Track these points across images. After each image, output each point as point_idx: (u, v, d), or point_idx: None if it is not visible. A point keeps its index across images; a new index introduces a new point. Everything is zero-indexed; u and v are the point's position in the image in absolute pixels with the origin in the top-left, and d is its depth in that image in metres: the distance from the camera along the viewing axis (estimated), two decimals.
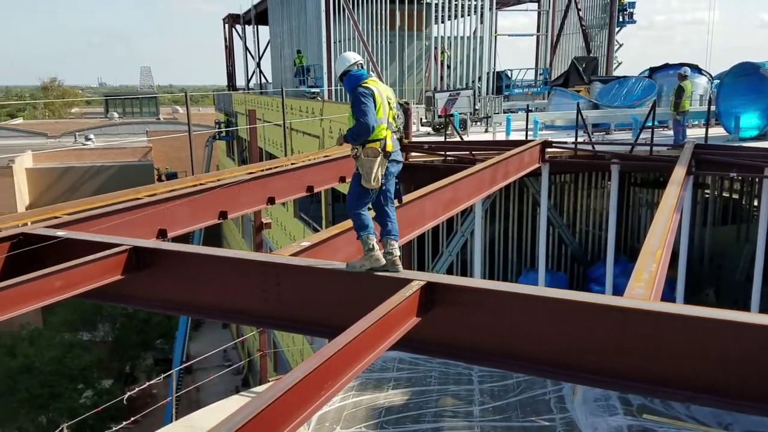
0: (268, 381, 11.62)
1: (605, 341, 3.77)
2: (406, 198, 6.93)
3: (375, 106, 4.53)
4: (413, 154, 11.79)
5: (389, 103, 4.64)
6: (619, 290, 11.82)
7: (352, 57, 4.73)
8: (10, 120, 57.02)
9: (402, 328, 3.93)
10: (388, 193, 4.68)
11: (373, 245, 4.55)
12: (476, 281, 4.29)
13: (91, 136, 42.15)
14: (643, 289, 4.40)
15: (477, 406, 9.89)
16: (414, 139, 12.66)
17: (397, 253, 4.53)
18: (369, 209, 4.73)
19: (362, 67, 4.73)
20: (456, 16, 21.49)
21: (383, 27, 21.30)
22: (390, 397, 10.10)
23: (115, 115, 61.91)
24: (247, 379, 27.76)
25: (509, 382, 10.58)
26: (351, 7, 20.72)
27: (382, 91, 4.60)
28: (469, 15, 21.72)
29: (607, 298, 3.90)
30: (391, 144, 4.60)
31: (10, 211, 27.89)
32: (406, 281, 4.20)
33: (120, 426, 12.03)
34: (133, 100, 67.22)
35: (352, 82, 4.64)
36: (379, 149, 4.55)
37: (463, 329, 4.16)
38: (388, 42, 21.45)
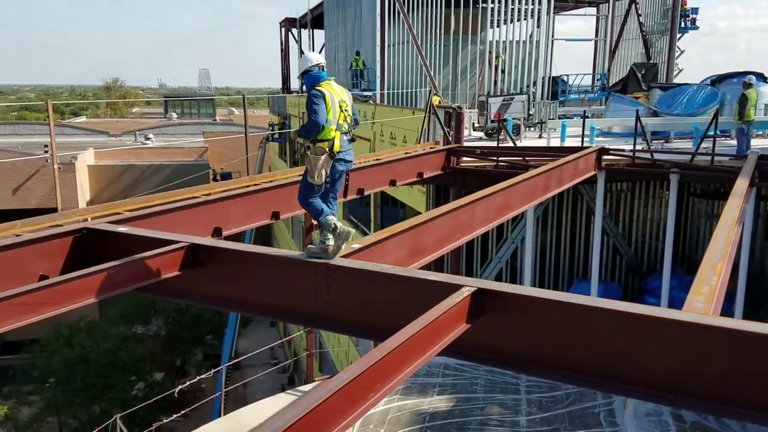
0: (314, 381, 11.73)
1: (660, 355, 3.66)
2: (456, 203, 6.90)
3: (326, 108, 4.87)
4: (464, 159, 11.72)
5: (341, 106, 4.97)
6: (675, 303, 11.47)
7: (315, 58, 5.10)
8: (74, 118, 59.46)
9: (451, 334, 3.90)
10: (332, 189, 5.08)
11: (334, 223, 4.92)
12: (528, 289, 4.23)
13: (151, 136, 43.52)
14: (703, 303, 4.25)
15: (524, 416, 9.74)
16: (465, 144, 12.57)
17: (330, 243, 4.88)
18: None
19: (323, 69, 5.09)
20: (512, 20, 21.26)
21: (438, 31, 21.27)
22: (434, 403, 10.04)
23: (174, 115, 63.80)
24: (292, 377, 28.12)
25: (558, 393, 10.37)
26: (406, 11, 20.77)
27: (335, 94, 4.96)
28: (525, 19, 21.46)
29: (665, 311, 3.78)
30: (339, 144, 4.95)
31: (71, 206, 29.06)
32: (457, 287, 4.17)
33: (170, 419, 12.34)
34: (191, 101, 69.16)
35: (310, 82, 5.00)
36: (326, 149, 4.91)
37: (512, 337, 4.11)
38: (442, 46, 21.40)
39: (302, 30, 35.68)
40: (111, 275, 4.65)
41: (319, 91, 4.91)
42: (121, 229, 5.54)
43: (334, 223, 4.93)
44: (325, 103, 4.89)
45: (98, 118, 64.86)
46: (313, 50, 34.50)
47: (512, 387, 10.64)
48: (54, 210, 27.95)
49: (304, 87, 5.45)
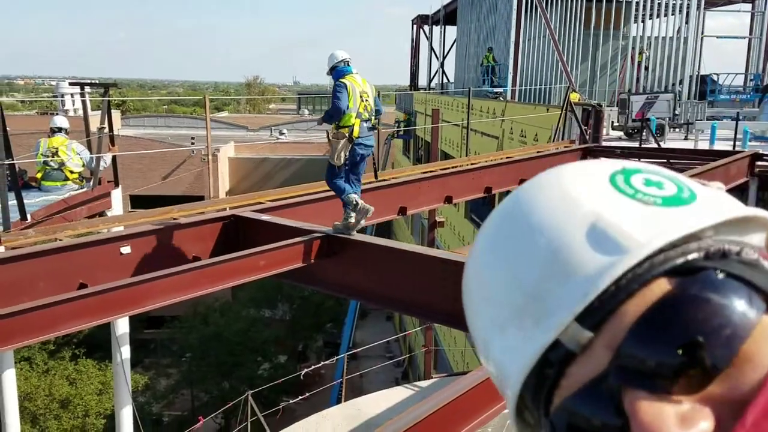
0: (431, 378, 11.77)
1: None
2: None
3: (348, 96, 5.46)
4: (603, 159, 11.19)
5: (362, 97, 5.51)
6: None
7: (341, 55, 5.68)
8: (218, 113, 63.78)
9: None
10: (354, 171, 5.62)
11: (356, 200, 5.52)
12: None
13: (284, 131, 45.73)
14: None
15: None
16: (604, 143, 12.03)
17: (352, 219, 5.46)
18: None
19: (348, 64, 5.65)
20: (658, 15, 20.03)
21: (577, 25, 20.50)
22: None
23: (306, 111, 66.66)
24: (406, 372, 28.39)
25: None
26: (544, 5, 20.20)
27: (356, 85, 5.51)
28: (672, 14, 20.13)
29: None
30: (358, 131, 5.50)
31: (213, 195, 31.20)
32: None
33: (294, 400, 12.90)
34: (322, 98, 71.88)
35: (337, 76, 5.59)
36: (346, 134, 5.48)
37: None
38: (581, 41, 20.60)
39: (434, 27, 35.82)
40: (255, 260, 4.95)
41: (342, 82, 5.51)
42: (264, 217, 5.88)
43: (356, 200, 5.53)
44: (347, 93, 5.46)
45: (238, 113, 69.12)
46: (444, 47, 34.56)
47: None
48: (197, 198, 30.17)
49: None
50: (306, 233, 5.33)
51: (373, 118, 5.64)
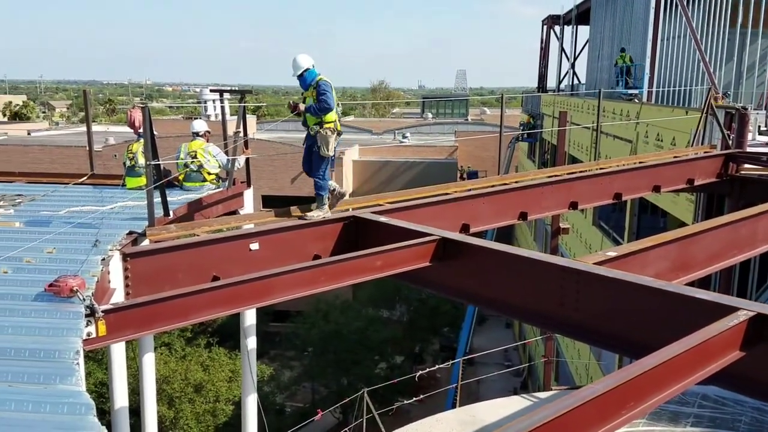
0: (551, 389, 11.38)
1: None
2: (735, 215, 6.11)
3: (333, 95, 6.43)
4: (746, 166, 10.28)
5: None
6: None
7: (310, 59, 6.55)
8: (344, 117, 65.88)
9: (720, 361, 3.48)
10: (333, 159, 6.66)
11: (334, 186, 6.66)
12: None
13: (407, 135, 46.30)
14: None
15: None
16: (749, 149, 11.03)
17: (326, 203, 6.55)
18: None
19: (314, 68, 6.56)
20: None
21: (721, 24, 18.98)
22: None
23: (429, 115, 67.01)
24: (525, 382, 27.67)
25: None
26: (685, 2, 18.90)
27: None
28: None
29: None
30: (339, 124, 6.60)
31: None
32: (730, 309, 3.71)
33: (410, 401, 13.00)
34: (446, 101, 72.05)
35: (312, 77, 6.49)
36: (334, 128, 6.50)
37: None
38: (725, 40, 19.05)
39: (565, 26, 34.74)
40: (372, 260, 5.06)
41: (328, 82, 6.44)
42: (382, 219, 5.99)
43: (334, 186, 6.61)
44: (333, 91, 6.40)
45: (364, 117, 70.96)
46: (575, 47, 33.40)
47: None
48: None
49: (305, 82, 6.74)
50: (423, 236, 5.36)
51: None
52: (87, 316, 4.06)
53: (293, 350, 27.85)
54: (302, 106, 6.63)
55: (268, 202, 28.41)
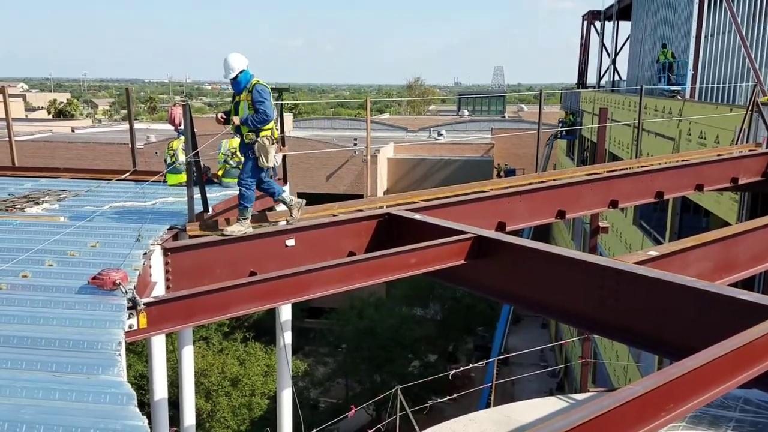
0: (588, 391, 11.22)
1: None
2: None
3: (271, 102, 5.94)
4: None
5: None
6: None
7: (245, 59, 5.99)
8: (379, 115, 65.95)
9: (763, 364, 3.40)
10: (274, 169, 6.27)
11: (290, 198, 6.17)
12: None
13: (443, 132, 46.08)
14: None
15: None
16: None
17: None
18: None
19: (248, 69, 6.02)
20: None
21: (767, 19, 18.39)
22: None
23: (465, 112, 66.63)
24: (561, 383, 27.32)
25: None
26: None
27: None
28: None
29: None
30: (277, 132, 6.11)
31: (372, 194, 32.40)
32: None
33: (443, 400, 12.97)
34: (482, 98, 71.48)
35: (246, 79, 5.93)
36: (271, 136, 5.96)
37: None
38: None
39: (606, 22, 34.16)
40: (407, 257, 5.06)
41: (265, 86, 5.94)
42: (417, 216, 5.98)
43: (290, 198, 6.15)
44: (271, 98, 5.94)
45: (399, 115, 70.96)
46: (616, 43, 32.80)
47: None
48: (356, 196, 31.45)
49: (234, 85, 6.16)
50: (458, 233, 5.34)
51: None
52: (129, 308, 4.16)
53: (327, 346, 28.05)
54: (237, 120, 5.98)
55: (304, 199, 28.58)
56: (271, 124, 5.99)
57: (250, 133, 5.97)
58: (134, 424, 3.02)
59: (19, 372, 3.54)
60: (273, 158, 5.99)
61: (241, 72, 5.99)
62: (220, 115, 6.29)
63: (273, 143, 5.99)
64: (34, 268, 5.00)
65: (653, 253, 4.88)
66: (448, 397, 12.59)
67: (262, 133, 5.95)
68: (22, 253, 5.31)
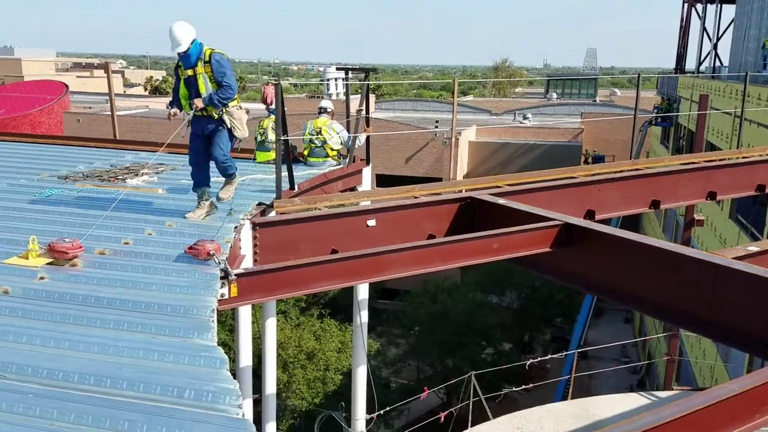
0: (672, 389, 10.79)
1: None
2: None
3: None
4: None
5: None
6: None
7: (193, 28, 5.40)
8: (463, 97, 65.09)
9: None
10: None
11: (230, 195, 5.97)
12: None
13: (529, 115, 44.89)
14: None
15: None
16: None
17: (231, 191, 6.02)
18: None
19: (197, 39, 5.49)
20: None
21: None
22: None
23: (554, 95, 64.52)
24: (643, 380, 26.37)
25: None
26: None
27: None
28: None
29: None
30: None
31: (452, 177, 32.14)
32: None
33: (517, 389, 12.82)
34: (573, 81, 68.92)
35: (197, 50, 5.43)
36: (241, 107, 5.68)
37: None
38: None
39: (708, 5, 32.16)
40: (489, 242, 5.01)
41: (224, 54, 5.51)
42: (501, 201, 5.89)
43: (231, 192, 5.98)
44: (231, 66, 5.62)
45: (483, 97, 69.79)
46: (718, 28, 30.86)
47: None
48: (436, 179, 31.28)
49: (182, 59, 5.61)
50: (544, 220, 5.23)
51: None
52: (221, 278, 4.36)
53: (400, 328, 28.27)
54: (199, 102, 5.50)
55: (382, 180, 28.79)
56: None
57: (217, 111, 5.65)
58: (227, 387, 3.18)
59: (121, 332, 3.79)
60: (245, 127, 5.77)
61: (191, 43, 5.45)
62: (172, 111, 5.85)
63: (242, 109, 5.70)
64: (135, 236, 5.32)
65: (753, 248, 4.61)
66: (523, 387, 12.42)
67: (231, 104, 5.66)
68: (124, 221, 5.65)
